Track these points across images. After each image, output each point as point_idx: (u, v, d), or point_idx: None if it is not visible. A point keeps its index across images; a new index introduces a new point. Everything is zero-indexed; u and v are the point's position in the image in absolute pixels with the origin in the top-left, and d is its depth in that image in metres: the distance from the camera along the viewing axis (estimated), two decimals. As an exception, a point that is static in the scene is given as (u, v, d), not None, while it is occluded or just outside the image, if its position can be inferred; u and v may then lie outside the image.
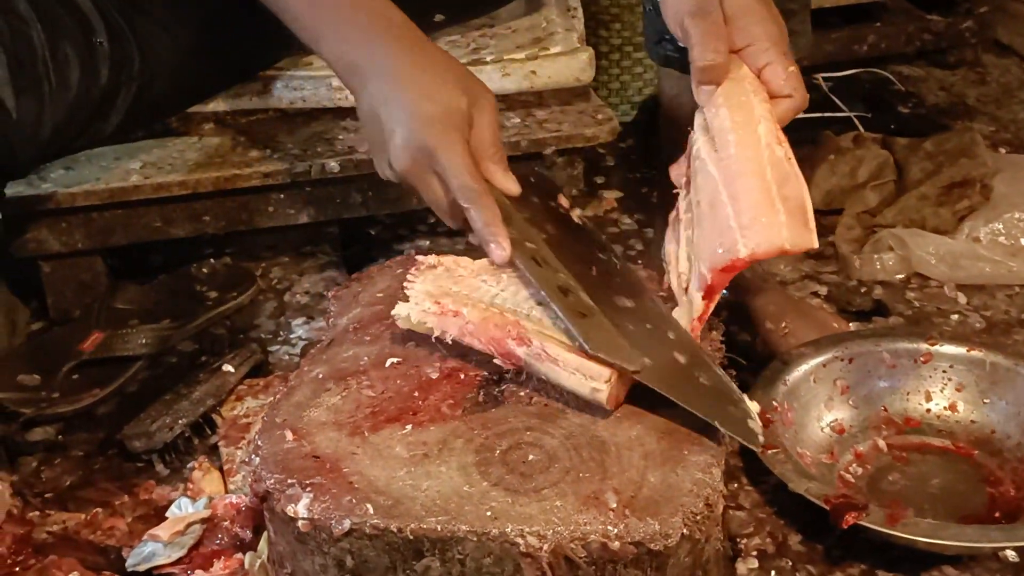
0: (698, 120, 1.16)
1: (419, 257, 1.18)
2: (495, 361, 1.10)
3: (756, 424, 1.07)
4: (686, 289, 1.15)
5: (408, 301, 1.13)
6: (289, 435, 1.05)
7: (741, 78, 1.13)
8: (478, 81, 1.17)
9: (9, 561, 1.21)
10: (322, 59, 1.20)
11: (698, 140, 1.15)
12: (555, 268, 1.11)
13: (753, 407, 1.09)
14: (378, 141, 1.14)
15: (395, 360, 1.14)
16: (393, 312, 1.13)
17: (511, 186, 1.15)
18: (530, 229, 1.14)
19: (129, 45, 1.31)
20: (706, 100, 1.13)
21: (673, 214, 1.20)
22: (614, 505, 0.96)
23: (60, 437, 1.43)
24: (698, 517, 0.97)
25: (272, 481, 1.00)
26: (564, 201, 1.21)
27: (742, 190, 1.09)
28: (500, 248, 1.08)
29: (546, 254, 1.12)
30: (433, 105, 1.11)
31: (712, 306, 1.13)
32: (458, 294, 1.12)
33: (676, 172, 1.18)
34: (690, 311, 1.14)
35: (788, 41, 1.16)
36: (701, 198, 1.12)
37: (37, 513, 1.30)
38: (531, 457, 1.02)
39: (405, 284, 1.14)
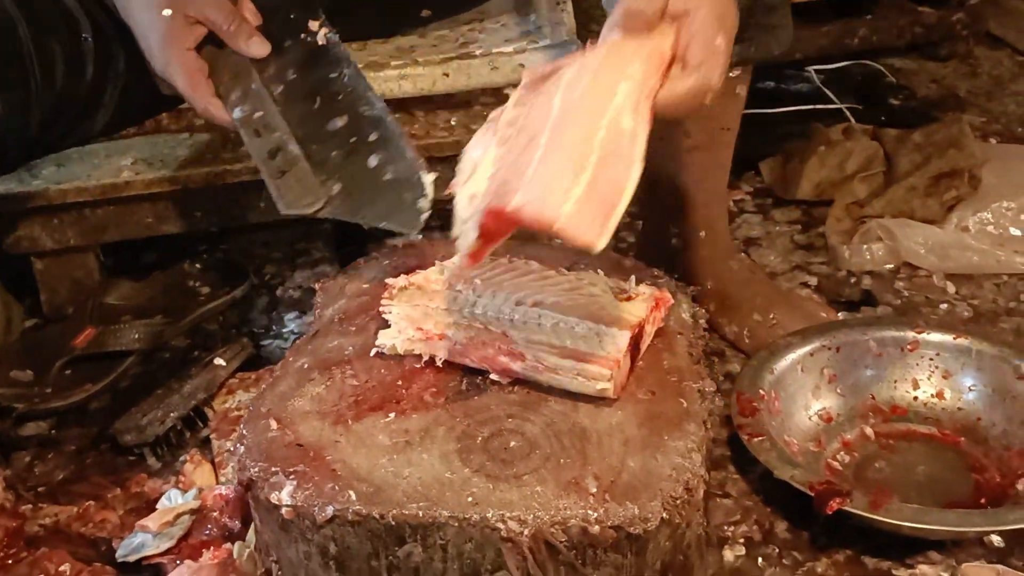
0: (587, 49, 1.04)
1: (389, 280, 1.18)
2: (492, 377, 1.10)
3: (424, 203, 1.13)
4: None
5: (389, 327, 1.13)
6: (273, 424, 1.06)
7: (649, 39, 0.98)
8: None
9: (1, 554, 1.22)
10: None
11: (568, 70, 0.99)
12: (273, 129, 1.22)
13: (428, 179, 1.13)
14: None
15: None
16: (377, 343, 1.13)
17: (256, 51, 1.27)
18: (264, 90, 1.26)
19: (114, 42, 1.33)
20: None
21: (495, 113, 1.03)
22: (594, 490, 0.97)
23: (53, 432, 1.44)
24: (678, 502, 0.97)
25: (256, 469, 1.01)
26: (314, 25, 1.29)
27: (562, 143, 0.91)
28: (223, 123, 1.25)
29: (271, 118, 1.23)
30: (150, 32, 1.24)
31: (487, 251, 0.97)
32: (438, 311, 1.12)
33: (533, 76, 1.05)
34: (465, 240, 0.96)
35: (733, 27, 1.11)
36: (527, 125, 0.95)
37: (29, 507, 1.32)
38: (512, 444, 1.02)
39: (381, 309, 1.15)
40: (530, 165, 0.88)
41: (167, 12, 1.23)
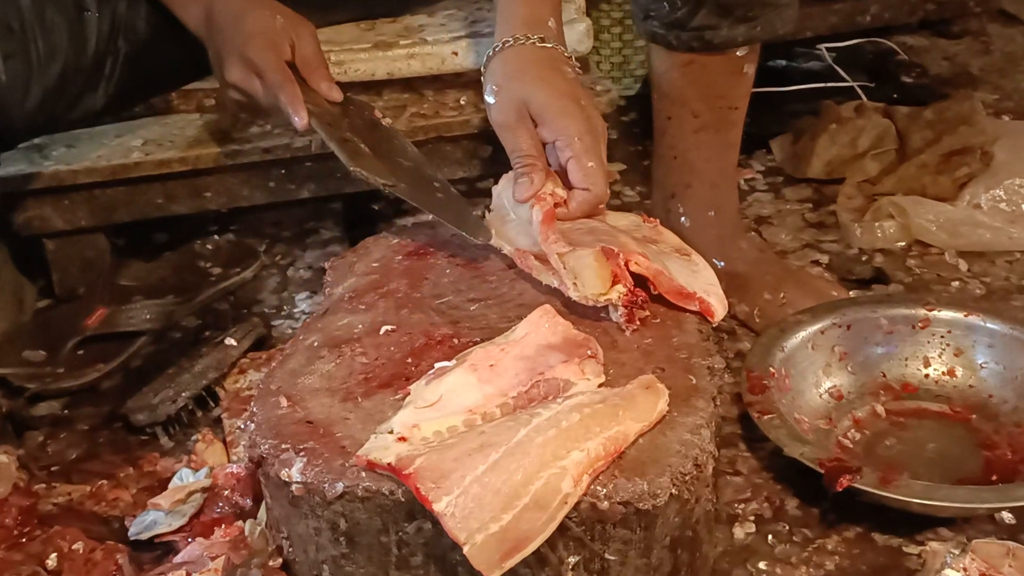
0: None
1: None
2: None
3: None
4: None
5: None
6: (283, 401, 1.06)
7: (628, 410, 1.02)
8: (297, 15, 1.38)
9: (15, 532, 1.23)
10: (185, 23, 1.39)
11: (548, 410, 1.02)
12: (348, 139, 1.33)
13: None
14: (219, 72, 1.36)
15: (389, 328, 1.15)
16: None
17: (335, 94, 1.37)
18: (341, 119, 1.36)
19: (119, 17, 1.33)
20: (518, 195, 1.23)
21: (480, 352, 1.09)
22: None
23: (65, 411, 1.45)
24: (687, 477, 0.97)
25: (266, 446, 1.02)
26: (377, 113, 1.42)
27: (506, 470, 0.95)
28: (300, 117, 1.31)
29: (343, 131, 1.34)
30: (252, 24, 1.34)
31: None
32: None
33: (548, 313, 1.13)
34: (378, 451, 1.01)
35: (597, 135, 1.25)
36: (488, 431, 0.99)
37: (43, 486, 1.32)
38: (523, 420, 1.02)
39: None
40: (472, 471, 0.94)
41: (280, 20, 1.35)
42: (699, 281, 1.20)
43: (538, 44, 1.29)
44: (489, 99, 1.29)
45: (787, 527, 1.23)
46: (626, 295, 1.12)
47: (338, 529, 0.99)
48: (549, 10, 1.32)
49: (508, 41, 1.29)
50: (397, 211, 1.85)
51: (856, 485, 1.16)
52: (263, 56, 1.32)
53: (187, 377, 1.43)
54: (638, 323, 1.13)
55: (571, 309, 1.15)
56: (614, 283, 1.12)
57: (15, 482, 1.29)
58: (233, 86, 1.35)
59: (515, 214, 1.25)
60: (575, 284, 1.14)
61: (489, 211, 1.29)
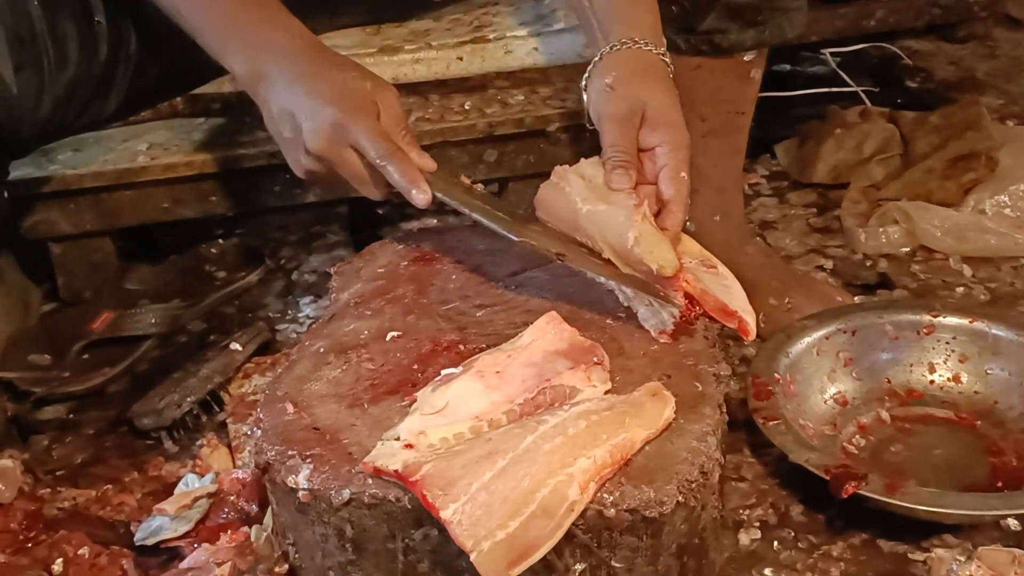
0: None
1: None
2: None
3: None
4: None
5: None
6: (290, 408, 1.06)
7: (637, 417, 1.02)
8: (378, 76, 1.25)
9: (21, 537, 1.23)
10: (230, 71, 1.25)
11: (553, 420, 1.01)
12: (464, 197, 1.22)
13: None
14: (291, 137, 1.20)
15: (395, 334, 1.15)
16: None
17: (427, 163, 1.22)
18: (449, 182, 1.23)
19: (127, 23, 1.33)
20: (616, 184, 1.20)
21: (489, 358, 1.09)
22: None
23: (71, 415, 1.45)
24: (693, 485, 0.97)
25: (273, 453, 1.02)
26: (465, 180, 1.28)
27: (513, 478, 0.95)
28: (421, 192, 1.17)
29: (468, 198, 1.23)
30: (337, 87, 1.19)
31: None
32: None
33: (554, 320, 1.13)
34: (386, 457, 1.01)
35: (690, 151, 1.23)
36: (495, 438, 1.00)
37: (48, 490, 1.33)
38: (529, 427, 1.02)
39: None
40: (479, 478, 0.94)
41: (367, 85, 1.21)
42: (735, 299, 1.19)
43: (663, 57, 1.28)
44: (605, 88, 1.25)
45: (792, 533, 1.23)
46: (686, 307, 1.13)
47: (345, 536, 0.99)
48: (661, 24, 1.32)
49: (640, 43, 1.27)
50: (402, 215, 1.85)
51: (862, 492, 1.16)
52: (360, 124, 1.17)
53: (192, 382, 1.43)
54: (669, 337, 1.14)
55: (577, 316, 1.15)
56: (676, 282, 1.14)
57: (20, 486, 1.30)
58: (316, 156, 1.19)
59: (593, 181, 1.23)
60: (637, 245, 1.14)
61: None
